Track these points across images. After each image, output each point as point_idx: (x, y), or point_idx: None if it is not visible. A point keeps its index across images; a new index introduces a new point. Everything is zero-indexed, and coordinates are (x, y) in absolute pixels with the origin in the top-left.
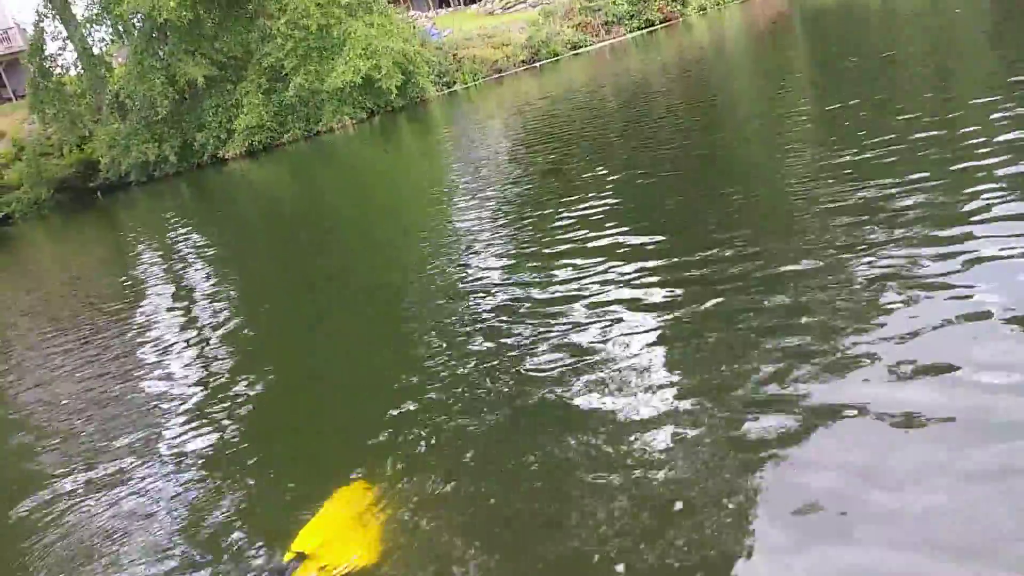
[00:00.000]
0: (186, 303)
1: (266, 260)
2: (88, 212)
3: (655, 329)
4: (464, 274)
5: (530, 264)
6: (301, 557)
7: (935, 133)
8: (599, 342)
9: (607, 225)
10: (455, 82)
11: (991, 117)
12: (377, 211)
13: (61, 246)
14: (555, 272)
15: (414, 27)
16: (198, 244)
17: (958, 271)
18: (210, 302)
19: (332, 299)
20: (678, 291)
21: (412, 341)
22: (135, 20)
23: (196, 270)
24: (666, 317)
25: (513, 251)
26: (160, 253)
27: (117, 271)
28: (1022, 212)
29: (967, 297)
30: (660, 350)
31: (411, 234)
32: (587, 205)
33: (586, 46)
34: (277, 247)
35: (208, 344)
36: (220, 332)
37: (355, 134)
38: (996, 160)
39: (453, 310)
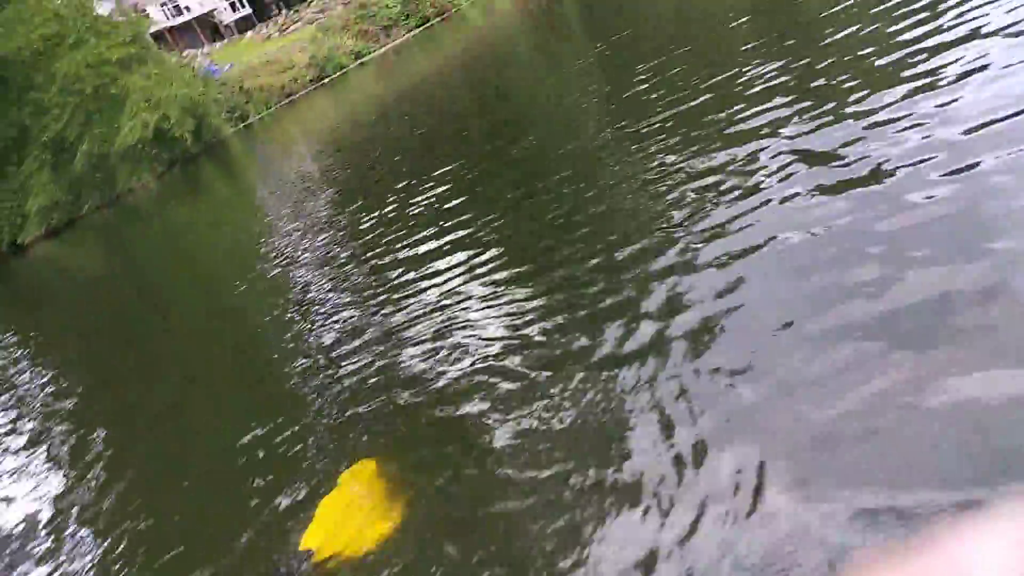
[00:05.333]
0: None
1: (108, 357)
2: None
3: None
4: (313, 321)
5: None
6: (308, 554)
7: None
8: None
9: (438, 233)
10: (248, 115)
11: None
12: (203, 270)
13: None
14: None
15: (192, 68)
16: (21, 354)
17: None
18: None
19: (187, 379)
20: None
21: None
22: None
23: (27, 387)
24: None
25: (351, 282)
26: None
27: None
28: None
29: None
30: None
31: (242, 290)
32: (410, 219)
33: (370, 53)
34: (113, 338)
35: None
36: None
37: (158, 189)
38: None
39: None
